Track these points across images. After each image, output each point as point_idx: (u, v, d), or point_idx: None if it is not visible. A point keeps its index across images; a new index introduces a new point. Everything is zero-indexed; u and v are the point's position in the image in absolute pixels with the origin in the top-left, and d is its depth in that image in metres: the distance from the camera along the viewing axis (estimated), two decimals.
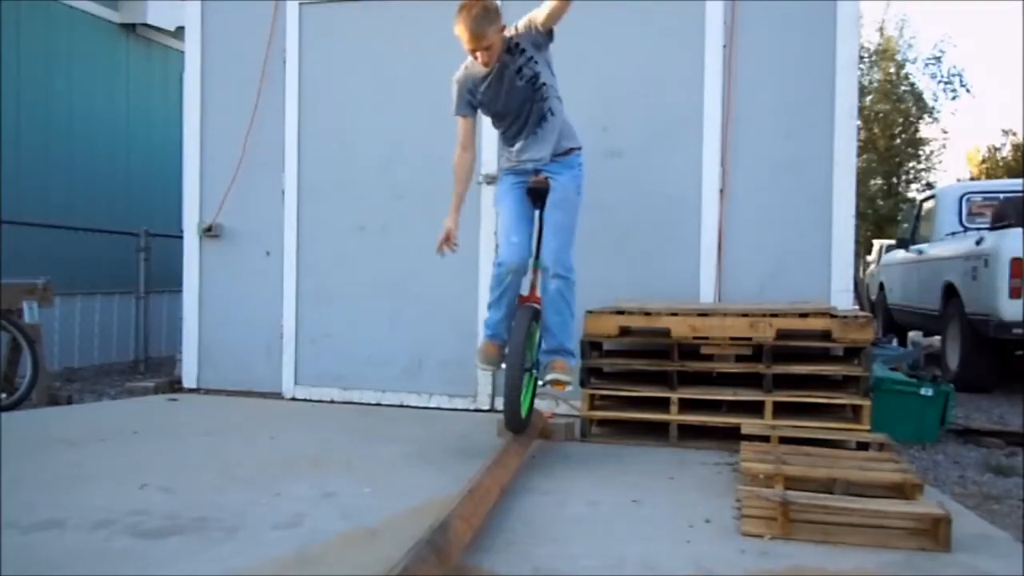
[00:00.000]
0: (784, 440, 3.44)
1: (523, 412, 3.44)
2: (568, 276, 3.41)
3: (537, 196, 3.52)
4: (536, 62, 3.35)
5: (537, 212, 3.55)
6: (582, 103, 4.63)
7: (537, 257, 3.51)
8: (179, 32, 7.24)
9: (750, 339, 3.82)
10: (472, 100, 3.47)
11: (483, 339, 3.57)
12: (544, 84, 3.37)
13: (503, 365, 3.41)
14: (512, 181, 3.57)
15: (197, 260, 5.42)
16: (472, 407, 4.82)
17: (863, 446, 3.57)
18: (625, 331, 4.05)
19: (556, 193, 3.48)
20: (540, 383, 3.51)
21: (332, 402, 5.04)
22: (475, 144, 3.59)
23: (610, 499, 2.92)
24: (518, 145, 3.51)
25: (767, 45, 4.46)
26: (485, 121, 3.81)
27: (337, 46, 5.12)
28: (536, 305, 3.49)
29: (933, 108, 22.24)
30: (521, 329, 3.30)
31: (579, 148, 3.58)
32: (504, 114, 3.47)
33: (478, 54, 3.27)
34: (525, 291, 3.53)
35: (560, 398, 4.38)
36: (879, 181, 22.07)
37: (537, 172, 3.50)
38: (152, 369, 6.90)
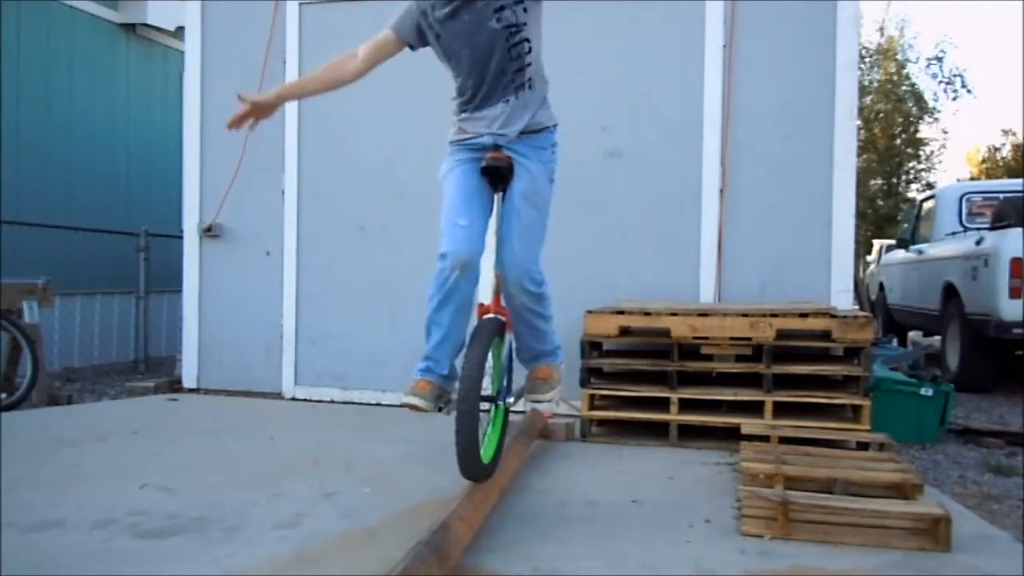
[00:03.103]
0: (784, 440, 3.44)
1: (486, 455, 2.68)
2: (539, 291, 2.71)
3: (496, 177, 2.74)
4: (526, 10, 2.61)
5: (497, 196, 2.81)
6: (582, 103, 4.64)
7: (498, 257, 2.81)
8: (179, 32, 7.25)
9: (750, 339, 3.82)
10: (423, 25, 2.69)
11: (415, 377, 2.67)
12: (526, 41, 2.63)
13: (449, 398, 2.65)
14: (462, 156, 2.79)
15: (197, 260, 5.42)
16: None
17: (863, 446, 3.57)
18: (625, 331, 4.05)
19: (523, 182, 2.70)
20: (529, 398, 2.86)
21: (332, 402, 5.04)
22: (373, 64, 2.79)
23: (610, 499, 2.92)
24: (478, 112, 2.73)
25: (767, 45, 4.46)
26: None
27: (337, 46, 5.09)
28: (501, 317, 2.77)
29: (934, 108, 22.25)
30: (481, 343, 2.55)
31: (555, 125, 2.83)
32: (463, 59, 2.68)
33: None
34: (484, 297, 2.88)
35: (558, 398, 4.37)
36: (879, 181, 22.06)
37: (497, 148, 2.72)
38: (152, 369, 6.90)
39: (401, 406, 2.62)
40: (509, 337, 2.87)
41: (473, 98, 2.73)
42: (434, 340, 2.67)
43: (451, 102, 2.84)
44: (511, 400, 2.87)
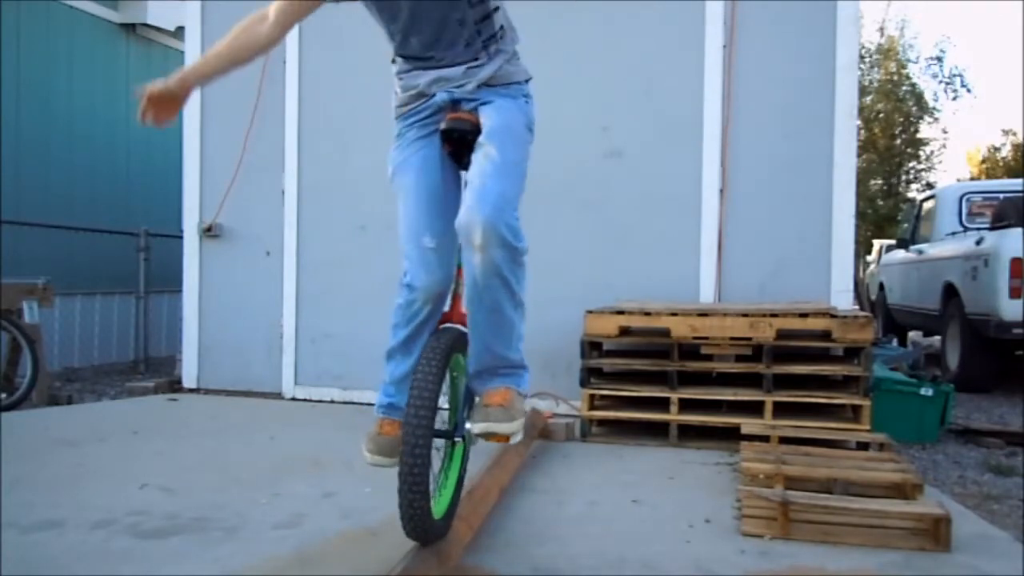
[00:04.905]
0: (784, 440, 3.44)
1: (439, 508, 2.11)
2: (515, 244, 1.93)
3: (460, 144, 2.12)
4: None
5: (463, 174, 2.18)
6: (582, 103, 4.64)
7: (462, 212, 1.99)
8: (179, 32, 7.25)
9: (750, 339, 3.82)
10: None
11: (376, 415, 2.24)
12: None
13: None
14: (415, 136, 2.20)
15: (197, 260, 5.42)
16: None
17: (863, 446, 3.57)
18: (625, 331, 4.04)
19: (493, 119, 2.08)
20: (471, 428, 2.05)
21: (332, 402, 5.04)
22: (288, 25, 2.21)
23: (610, 499, 2.93)
24: (432, 72, 2.14)
25: (767, 45, 4.46)
26: None
27: (337, 46, 5.12)
28: (461, 327, 2.16)
29: (934, 108, 22.27)
30: (436, 362, 1.94)
31: (527, 80, 2.24)
32: (415, 12, 2.06)
33: None
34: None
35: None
36: (879, 181, 22.07)
37: (455, 104, 2.14)
38: (152, 369, 6.90)
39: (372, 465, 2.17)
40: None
41: (417, 46, 2.12)
42: (401, 370, 2.18)
43: (392, 67, 2.26)
44: (468, 427, 2.13)
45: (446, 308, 2.21)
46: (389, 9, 2.07)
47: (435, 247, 2.08)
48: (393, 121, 2.30)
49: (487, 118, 2.08)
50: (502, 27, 2.13)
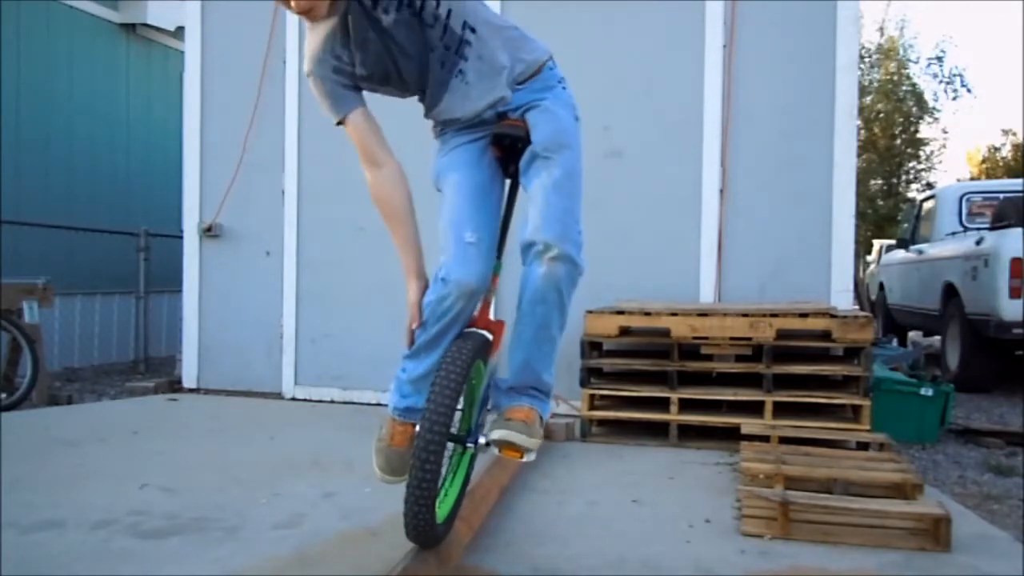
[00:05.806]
0: (784, 440, 3.44)
1: (440, 513, 2.05)
2: (579, 261, 2.10)
3: (509, 151, 2.16)
4: None
5: (509, 181, 2.25)
6: (583, 103, 4.62)
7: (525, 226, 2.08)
8: (179, 32, 7.25)
9: (750, 339, 3.82)
10: (346, 80, 2.21)
11: (389, 417, 2.23)
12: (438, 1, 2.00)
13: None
14: (460, 141, 2.20)
15: (197, 260, 5.42)
16: None
17: (863, 446, 3.57)
18: (625, 331, 4.05)
19: (543, 128, 2.10)
20: (483, 440, 2.11)
21: (332, 402, 5.04)
22: (389, 146, 2.27)
23: (610, 499, 2.93)
24: (447, 96, 2.14)
25: (767, 45, 4.46)
26: None
27: None
28: (487, 334, 2.14)
29: (934, 108, 22.26)
30: (460, 366, 1.92)
31: (549, 58, 2.22)
32: (403, 72, 2.13)
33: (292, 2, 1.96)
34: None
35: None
36: (879, 181, 22.06)
37: (502, 116, 2.14)
38: (152, 369, 6.90)
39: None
40: (493, 363, 2.22)
41: (432, 90, 2.16)
42: (423, 368, 2.10)
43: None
44: (482, 441, 2.12)
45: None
46: (398, 75, 2.14)
47: (475, 242, 2.05)
48: (433, 140, 2.33)
49: (537, 126, 2.10)
50: (464, 23, 2.04)
